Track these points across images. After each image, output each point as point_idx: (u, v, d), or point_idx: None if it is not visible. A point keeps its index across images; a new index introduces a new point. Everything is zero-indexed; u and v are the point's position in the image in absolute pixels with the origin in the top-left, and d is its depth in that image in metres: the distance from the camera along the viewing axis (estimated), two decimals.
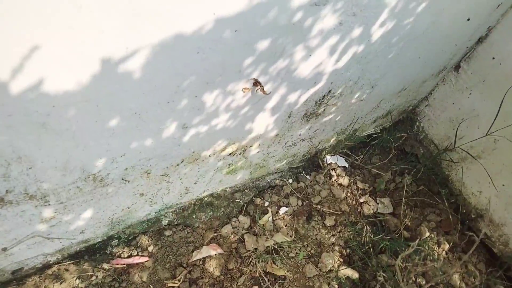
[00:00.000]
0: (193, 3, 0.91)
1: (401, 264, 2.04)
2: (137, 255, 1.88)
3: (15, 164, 1.08)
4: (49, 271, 1.71)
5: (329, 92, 1.72)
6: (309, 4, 1.14)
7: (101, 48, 0.89)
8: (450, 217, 2.33)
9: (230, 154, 1.77)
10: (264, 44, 1.19)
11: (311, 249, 2.06)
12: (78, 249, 1.75)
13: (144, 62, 0.99)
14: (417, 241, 1.76)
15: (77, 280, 1.74)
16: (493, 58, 1.94)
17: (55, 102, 0.96)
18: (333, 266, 2.00)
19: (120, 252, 1.87)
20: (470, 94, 2.14)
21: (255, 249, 2.00)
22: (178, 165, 1.61)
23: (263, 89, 1.36)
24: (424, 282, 2.03)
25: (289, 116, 1.74)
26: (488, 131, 2.01)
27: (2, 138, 0.97)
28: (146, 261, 1.87)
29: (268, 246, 2.01)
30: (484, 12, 1.73)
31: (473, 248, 1.98)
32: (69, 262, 1.76)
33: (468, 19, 1.72)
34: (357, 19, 1.32)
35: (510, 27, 1.82)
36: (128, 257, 1.86)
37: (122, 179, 1.47)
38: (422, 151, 2.58)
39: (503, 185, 2.12)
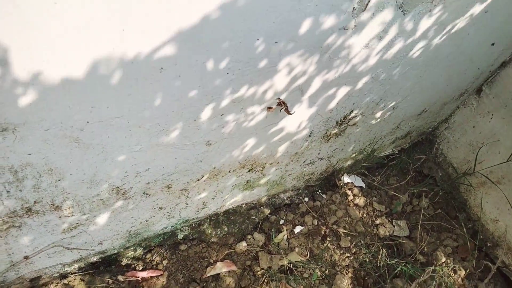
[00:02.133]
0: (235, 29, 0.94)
1: None
2: (152, 268, 1.88)
3: (46, 176, 1.10)
4: (66, 281, 1.72)
5: (350, 112, 1.73)
6: (337, 27, 1.16)
7: (139, 68, 0.91)
8: (468, 243, 2.28)
9: (249, 170, 1.78)
10: (291, 66, 1.21)
11: (326, 270, 2.04)
12: (94, 259, 1.76)
13: (177, 81, 1.02)
14: (431, 267, 1.73)
15: None
16: None
17: (89, 118, 0.98)
18: None
19: (135, 265, 1.87)
20: (491, 118, 2.13)
21: (269, 267, 1.98)
22: (198, 180, 1.62)
23: (287, 109, 1.38)
24: None
25: (310, 135, 1.75)
26: (509, 157, 1.98)
27: (38, 151, 0.99)
28: (160, 274, 1.87)
29: (282, 265, 1.99)
30: (509, 37, 1.73)
31: (489, 277, 1.94)
32: (85, 273, 1.77)
33: (493, 44, 1.72)
34: (383, 42, 1.33)
35: None
36: (143, 270, 1.87)
37: (144, 192, 1.49)
38: (440, 174, 2.55)
39: None
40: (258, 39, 1.04)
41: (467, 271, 2.18)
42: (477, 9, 1.41)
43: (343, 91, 1.52)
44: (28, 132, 0.93)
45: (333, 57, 1.28)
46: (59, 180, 1.15)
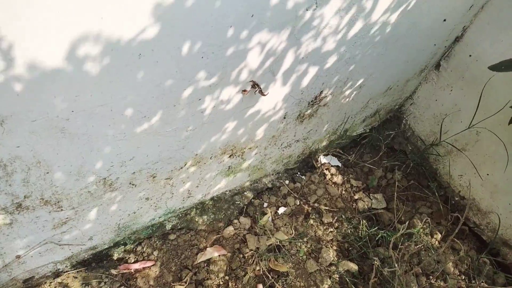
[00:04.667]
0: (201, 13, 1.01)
1: (397, 256, 2.13)
2: (143, 260, 1.93)
3: (35, 169, 1.14)
4: (59, 279, 1.75)
5: (320, 93, 1.83)
6: (303, 7, 1.25)
7: (119, 55, 0.97)
8: (441, 208, 2.44)
9: (230, 156, 1.85)
10: (261, 48, 1.29)
11: (311, 245, 2.14)
12: (86, 256, 1.80)
13: (156, 67, 1.08)
14: (407, 223, 1.88)
15: (86, 287, 1.77)
16: (470, 55, 2.08)
17: (74, 107, 1.03)
18: (333, 260, 2.08)
19: (127, 258, 1.91)
20: (451, 90, 2.28)
21: (257, 248, 2.07)
22: (181, 168, 1.68)
23: (261, 90, 1.46)
24: (420, 271, 2.13)
25: (284, 117, 1.84)
26: (470, 124, 2.13)
27: (26, 143, 1.03)
28: (153, 265, 1.92)
29: (270, 245, 2.08)
30: (458, 13, 1.87)
31: (458, 228, 2.08)
32: (77, 270, 1.80)
33: (445, 20, 1.86)
34: (344, 21, 1.43)
35: (482, 26, 1.97)
36: (135, 262, 1.91)
37: (130, 183, 1.54)
38: (410, 148, 2.70)
39: (487, 174, 2.25)
40: (231, 26, 1.12)
41: (443, 233, 2.34)
42: None
43: (311, 71, 1.62)
44: (15, 124, 0.97)
45: (299, 38, 1.37)
46: (47, 172, 1.19)
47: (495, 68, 1.70)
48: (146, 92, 1.15)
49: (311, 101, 1.85)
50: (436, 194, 2.48)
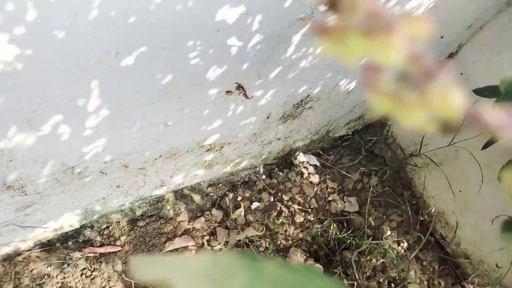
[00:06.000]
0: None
1: (363, 260, 2.18)
2: (110, 244, 1.91)
3: None
4: (20, 258, 1.71)
5: (307, 97, 1.79)
6: (295, 18, 1.19)
7: (93, 50, 0.91)
8: (411, 218, 2.49)
9: (207, 150, 1.81)
10: (250, 51, 1.24)
11: (280, 243, 2.16)
12: (50, 236, 1.76)
13: (135, 64, 1.02)
14: (369, 239, 1.91)
15: (49, 267, 1.74)
16: (461, 73, 2.07)
17: (41, 99, 0.97)
18: (300, 261, 2.10)
19: (93, 241, 1.88)
20: None
21: (226, 242, 2.07)
22: (156, 159, 1.63)
23: (245, 93, 1.41)
24: (384, 278, 2.19)
25: (268, 117, 1.80)
26: (451, 141, 2.15)
27: None
28: (119, 250, 1.90)
29: (239, 240, 2.08)
30: (456, 31, 1.84)
31: (425, 239, 2.14)
32: (40, 250, 1.76)
33: (442, 37, 1.83)
34: None
35: (478, 47, 1.95)
36: (101, 246, 1.89)
37: (100, 172, 1.49)
38: (389, 155, 2.72)
39: (460, 191, 2.29)
40: (218, 31, 1.06)
41: (409, 242, 2.39)
42: (429, 5, 1.49)
43: (299, 76, 1.57)
44: None
45: (288, 43, 1.32)
46: (11, 160, 1.13)
47: (479, 92, 1.68)
48: (123, 89, 1.09)
49: (297, 104, 1.81)
50: (408, 203, 2.53)
